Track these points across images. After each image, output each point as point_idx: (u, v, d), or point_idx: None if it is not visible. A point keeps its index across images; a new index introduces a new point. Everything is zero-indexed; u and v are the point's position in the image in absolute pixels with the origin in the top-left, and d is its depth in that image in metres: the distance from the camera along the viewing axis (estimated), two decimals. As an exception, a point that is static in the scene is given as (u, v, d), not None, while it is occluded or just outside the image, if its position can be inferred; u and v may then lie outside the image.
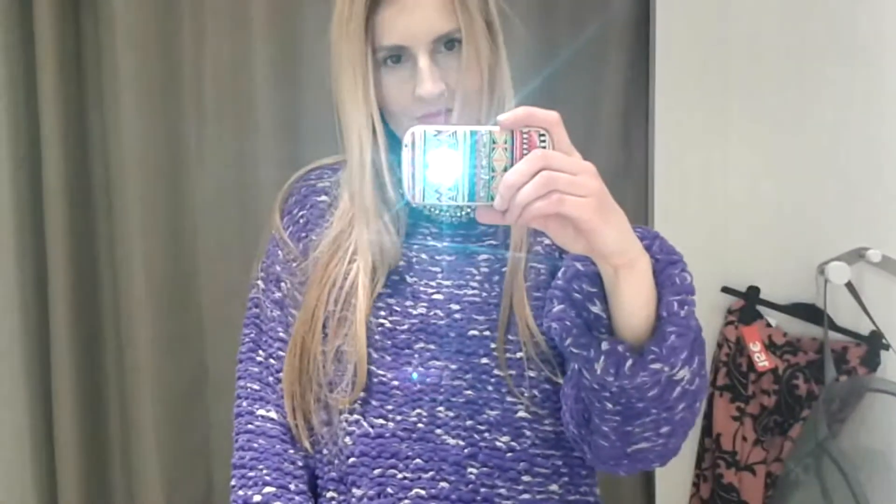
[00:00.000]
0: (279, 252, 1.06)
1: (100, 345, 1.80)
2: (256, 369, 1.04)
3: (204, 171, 1.79)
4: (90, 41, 1.75)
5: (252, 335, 1.06)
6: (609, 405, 0.84)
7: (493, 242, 1.01)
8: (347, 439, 0.98)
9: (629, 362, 0.78)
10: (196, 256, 1.81)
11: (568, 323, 0.81)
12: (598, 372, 0.79)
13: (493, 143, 0.71)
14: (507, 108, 0.98)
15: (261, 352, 1.05)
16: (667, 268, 0.80)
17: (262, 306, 1.06)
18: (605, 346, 0.79)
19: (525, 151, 0.71)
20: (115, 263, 1.76)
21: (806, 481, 1.76)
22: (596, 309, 0.80)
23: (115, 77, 1.71)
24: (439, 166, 0.71)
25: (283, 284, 1.05)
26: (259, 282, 1.08)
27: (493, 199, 0.71)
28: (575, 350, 0.81)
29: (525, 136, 0.72)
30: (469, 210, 1.01)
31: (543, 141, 0.72)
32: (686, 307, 0.79)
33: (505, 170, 0.71)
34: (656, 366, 0.77)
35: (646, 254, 0.78)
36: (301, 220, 1.06)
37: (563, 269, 0.83)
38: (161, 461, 1.78)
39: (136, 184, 1.72)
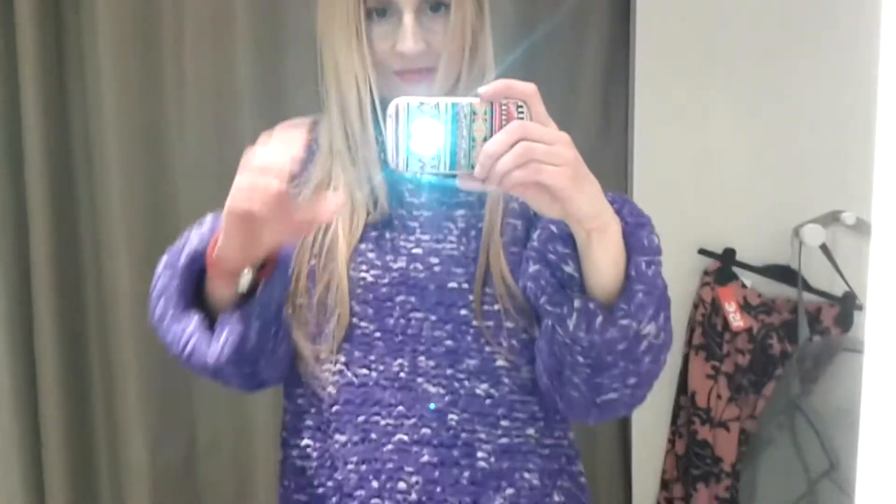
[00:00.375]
0: None
1: (81, 302, 1.82)
2: None
3: (184, 143, 1.80)
4: (69, 6, 1.74)
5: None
6: (580, 359, 0.88)
7: (469, 199, 1.03)
8: (331, 388, 1.01)
9: (599, 318, 0.83)
10: (178, 225, 1.81)
11: (543, 282, 0.85)
12: (571, 327, 0.84)
13: (474, 114, 0.75)
14: (488, 74, 1.00)
15: None
16: (636, 230, 0.84)
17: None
18: (577, 303, 0.84)
19: (504, 122, 0.75)
20: (97, 235, 1.77)
21: (779, 438, 1.81)
22: (569, 269, 0.85)
23: (95, 45, 1.71)
24: (422, 137, 0.75)
25: None
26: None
27: (473, 167, 0.75)
28: (549, 307, 0.85)
29: (504, 107, 0.75)
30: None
31: (521, 112, 0.76)
32: (653, 267, 0.84)
33: (485, 140, 0.75)
34: (625, 321, 0.83)
35: (616, 218, 0.82)
36: None
37: (538, 232, 0.87)
38: (144, 417, 1.80)
39: (117, 156, 1.73)
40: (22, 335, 1.76)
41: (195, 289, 0.95)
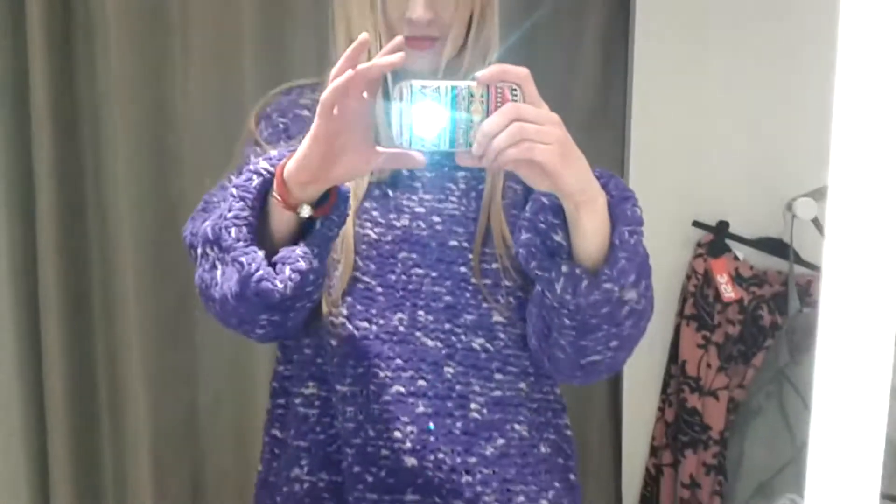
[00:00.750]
0: (256, 150, 1.07)
1: (86, 268, 1.84)
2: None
3: (189, 104, 1.82)
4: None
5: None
6: (567, 321, 0.93)
7: None
8: (333, 341, 1.04)
9: (585, 282, 0.88)
10: (182, 181, 1.84)
11: (533, 249, 0.91)
12: (558, 291, 0.89)
13: (472, 96, 0.82)
14: (492, 47, 1.04)
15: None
16: (620, 203, 0.90)
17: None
18: (564, 268, 0.89)
19: (499, 104, 0.82)
20: (102, 195, 1.79)
21: (767, 408, 1.85)
22: (558, 237, 0.90)
23: (104, 13, 1.72)
24: (424, 117, 0.81)
25: None
26: (232, 175, 1.07)
27: (471, 145, 0.82)
28: (539, 272, 0.91)
29: (499, 90, 0.82)
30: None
31: (515, 95, 0.82)
32: (635, 236, 0.89)
33: (482, 120, 0.81)
34: (608, 286, 0.88)
35: (603, 192, 0.88)
36: (281, 126, 1.08)
37: (530, 203, 0.92)
38: (146, 382, 1.83)
39: (123, 116, 1.75)
40: (26, 292, 1.79)
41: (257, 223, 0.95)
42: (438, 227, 1.04)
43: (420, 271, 1.03)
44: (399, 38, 0.85)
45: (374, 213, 1.04)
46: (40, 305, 1.77)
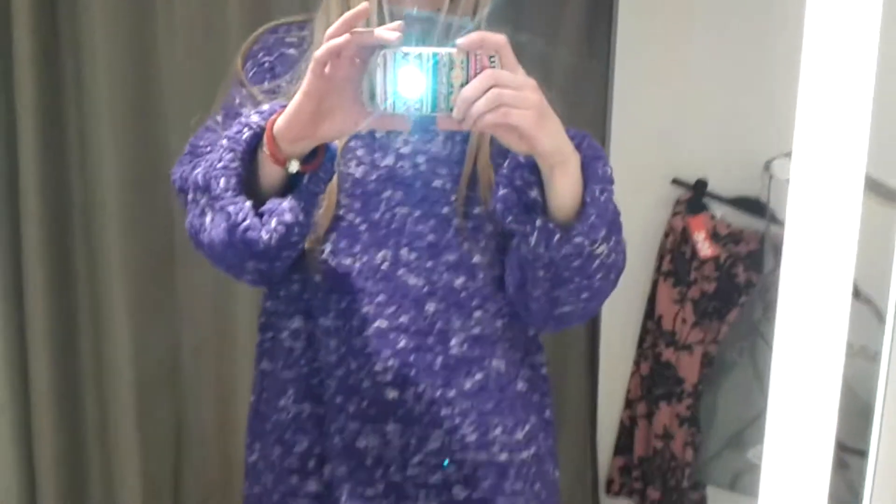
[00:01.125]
0: (241, 91, 1.09)
1: (68, 210, 1.84)
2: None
3: (174, 42, 1.81)
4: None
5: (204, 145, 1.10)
6: (541, 273, 0.98)
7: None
8: (317, 276, 1.06)
9: (557, 236, 0.93)
10: (165, 123, 1.84)
11: (510, 204, 0.95)
12: (532, 244, 0.94)
13: (452, 63, 0.85)
14: (479, 6, 1.05)
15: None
16: (592, 162, 0.95)
17: (217, 132, 1.09)
18: (538, 223, 0.94)
19: (478, 70, 0.85)
20: (84, 138, 1.80)
21: (740, 363, 1.90)
22: (533, 194, 0.95)
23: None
24: (407, 82, 0.85)
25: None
26: (217, 116, 1.10)
27: (451, 109, 0.85)
28: (515, 226, 0.96)
29: (478, 57, 0.85)
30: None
31: (493, 61, 0.86)
32: (605, 194, 0.94)
33: (462, 86, 0.85)
34: (578, 240, 0.93)
35: (576, 153, 0.93)
36: (266, 65, 1.09)
37: (508, 160, 0.97)
38: (130, 323, 1.84)
39: (105, 58, 1.74)
40: (9, 228, 1.78)
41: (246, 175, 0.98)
42: (422, 168, 1.06)
43: (404, 210, 1.05)
44: (399, 22, 0.88)
45: (359, 153, 1.06)
46: (22, 252, 1.78)
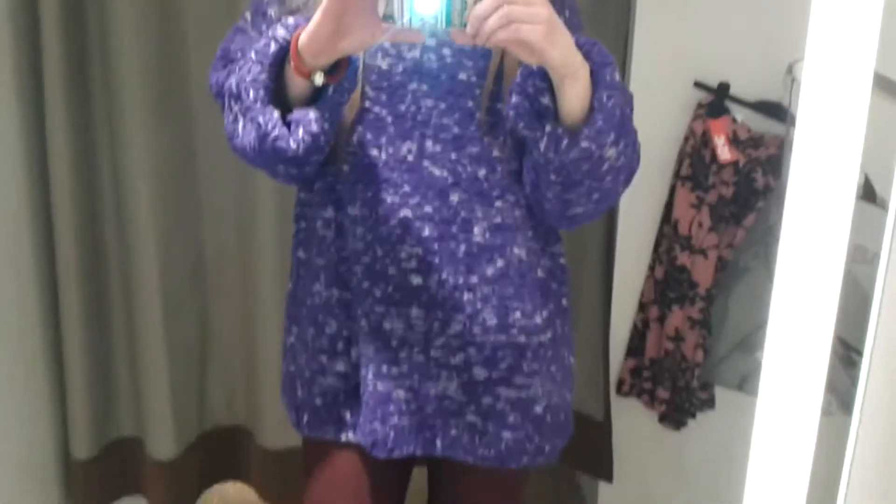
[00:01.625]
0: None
1: (92, 123, 1.86)
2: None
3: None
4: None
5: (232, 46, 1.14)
6: (552, 177, 1.02)
7: None
8: (346, 167, 1.09)
9: (565, 141, 0.97)
10: (187, 48, 1.84)
11: (522, 110, 0.99)
12: (542, 149, 0.99)
13: None
14: None
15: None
16: (601, 69, 0.98)
17: (247, 32, 1.13)
18: (548, 128, 0.98)
19: None
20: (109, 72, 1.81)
21: (754, 266, 1.92)
22: (545, 101, 0.99)
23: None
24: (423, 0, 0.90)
25: (272, 18, 1.11)
26: (247, 14, 1.15)
27: (465, 26, 0.90)
28: (526, 132, 1.00)
29: None
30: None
31: None
32: (612, 100, 0.98)
33: (475, 2, 0.89)
34: (585, 144, 0.97)
35: (586, 65, 0.97)
36: None
37: (521, 68, 1.00)
38: (155, 229, 1.87)
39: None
40: (37, 140, 1.81)
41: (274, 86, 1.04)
42: (448, 60, 1.07)
43: (429, 102, 1.07)
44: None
45: (386, 45, 1.07)
46: (49, 165, 1.80)
